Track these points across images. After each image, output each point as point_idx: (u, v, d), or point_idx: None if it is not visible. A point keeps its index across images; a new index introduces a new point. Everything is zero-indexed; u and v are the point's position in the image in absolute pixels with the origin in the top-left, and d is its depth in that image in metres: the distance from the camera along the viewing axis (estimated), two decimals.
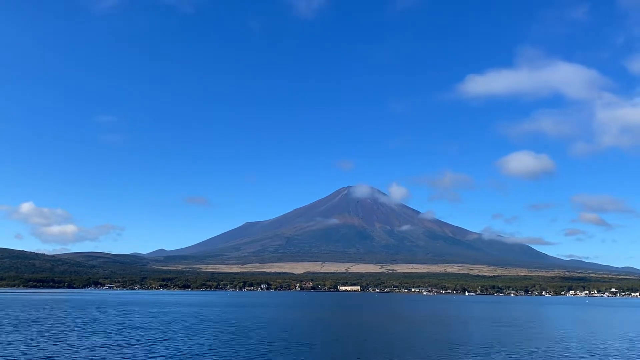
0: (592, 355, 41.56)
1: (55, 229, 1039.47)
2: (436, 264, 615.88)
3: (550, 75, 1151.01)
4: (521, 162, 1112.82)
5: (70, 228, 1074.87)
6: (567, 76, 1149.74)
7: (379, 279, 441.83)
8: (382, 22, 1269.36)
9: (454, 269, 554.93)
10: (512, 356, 40.26)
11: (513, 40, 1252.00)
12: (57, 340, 45.31)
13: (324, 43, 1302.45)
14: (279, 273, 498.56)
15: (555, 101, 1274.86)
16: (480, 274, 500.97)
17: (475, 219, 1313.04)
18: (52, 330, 53.90)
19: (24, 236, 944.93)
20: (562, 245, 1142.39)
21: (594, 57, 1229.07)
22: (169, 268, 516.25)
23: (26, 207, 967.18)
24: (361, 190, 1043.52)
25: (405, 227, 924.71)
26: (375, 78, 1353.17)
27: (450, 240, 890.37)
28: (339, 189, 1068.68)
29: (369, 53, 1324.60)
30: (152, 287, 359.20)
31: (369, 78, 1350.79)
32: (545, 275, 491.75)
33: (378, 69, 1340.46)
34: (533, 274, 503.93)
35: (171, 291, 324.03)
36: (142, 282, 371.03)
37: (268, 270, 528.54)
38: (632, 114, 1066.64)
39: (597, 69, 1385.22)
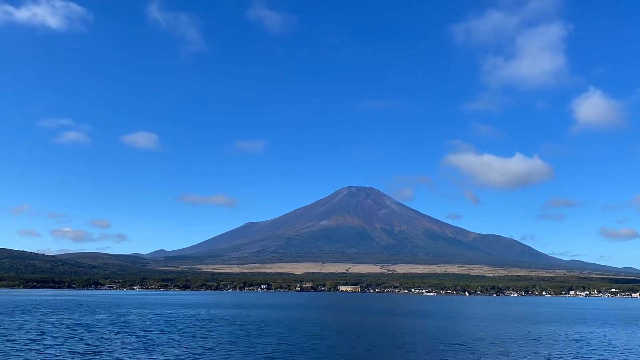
0: None
1: (56, 229, 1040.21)
2: (436, 264, 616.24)
3: None
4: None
5: (70, 228, 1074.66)
6: None
7: (379, 279, 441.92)
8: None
9: (454, 269, 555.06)
10: None
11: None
12: None
13: (315, 41, 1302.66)
14: (279, 273, 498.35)
15: None
16: (480, 274, 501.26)
17: (475, 220, 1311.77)
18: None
19: (25, 236, 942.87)
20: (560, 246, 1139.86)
21: None
22: (169, 268, 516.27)
23: (27, 207, 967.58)
24: (361, 190, 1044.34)
25: (405, 228, 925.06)
26: (377, 78, 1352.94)
27: (450, 241, 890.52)
28: (339, 189, 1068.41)
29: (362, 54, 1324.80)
30: (152, 288, 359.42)
31: (368, 78, 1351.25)
32: (546, 275, 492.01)
33: (379, 70, 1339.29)
34: (533, 274, 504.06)
35: (172, 291, 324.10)
36: (142, 283, 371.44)
37: (268, 271, 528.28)
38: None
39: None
